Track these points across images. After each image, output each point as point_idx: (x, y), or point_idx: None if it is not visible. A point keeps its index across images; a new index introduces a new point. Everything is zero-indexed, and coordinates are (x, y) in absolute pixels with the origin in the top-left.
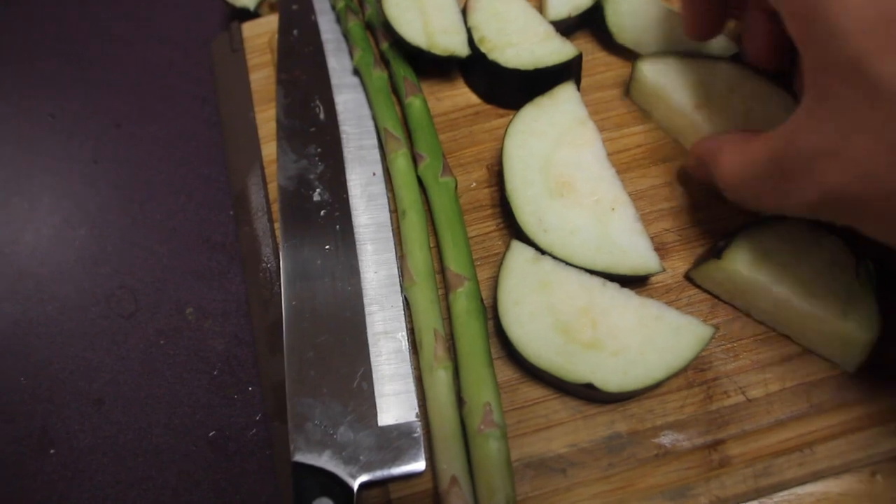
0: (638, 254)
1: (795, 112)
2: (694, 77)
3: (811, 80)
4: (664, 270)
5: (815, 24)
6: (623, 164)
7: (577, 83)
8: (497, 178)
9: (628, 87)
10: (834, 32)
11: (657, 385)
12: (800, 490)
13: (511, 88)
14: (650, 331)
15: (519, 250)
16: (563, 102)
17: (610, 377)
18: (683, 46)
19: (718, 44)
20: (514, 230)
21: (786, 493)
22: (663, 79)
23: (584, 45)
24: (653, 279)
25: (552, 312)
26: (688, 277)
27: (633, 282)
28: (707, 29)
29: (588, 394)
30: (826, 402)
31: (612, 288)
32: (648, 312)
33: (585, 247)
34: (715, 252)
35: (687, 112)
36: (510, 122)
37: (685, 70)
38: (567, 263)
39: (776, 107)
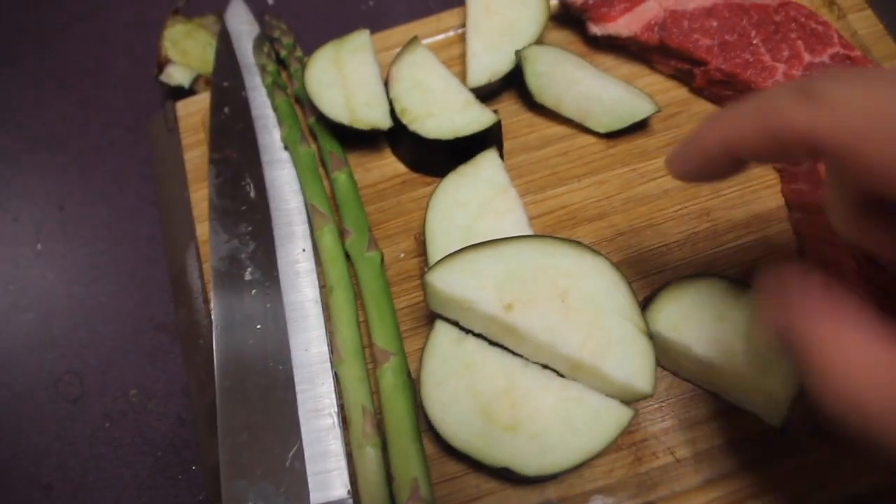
0: None
1: None
2: (494, 269)
3: None
4: None
5: None
6: (548, 227)
7: (500, 148)
8: (424, 248)
9: (426, 301)
10: None
11: (576, 468)
12: None
13: (435, 158)
14: (569, 413)
15: (442, 331)
16: (485, 171)
17: (528, 461)
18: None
19: None
20: None
21: None
22: (460, 287)
23: (509, 108)
24: None
25: (473, 394)
26: None
27: None
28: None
29: (508, 476)
30: (755, 459)
31: (534, 369)
32: (568, 394)
33: None
34: None
35: (499, 317)
36: (432, 193)
37: (482, 265)
38: (490, 343)
39: (593, 280)
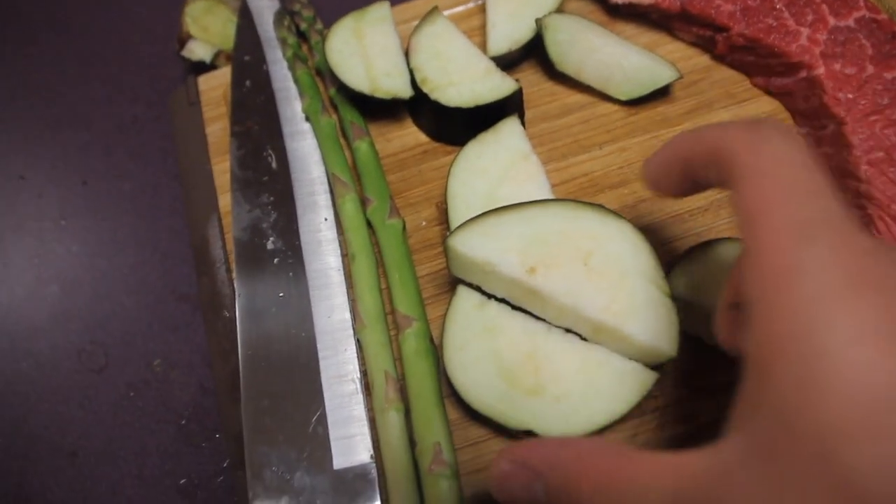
0: None
1: (720, 445)
2: (517, 232)
3: (754, 424)
4: None
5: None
6: (571, 194)
7: (522, 116)
8: (446, 216)
9: (448, 267)
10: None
11: (599, 432)
12: None
13: (456, 126)
14: (593, 377)
15: (464, 295)
16: (506, 138)
17: (551, 424)
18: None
19: None
20: None
21: None
22: (482, 250)
23: (529, 77)
24: None
25: (496, 358)
26: None
27: None
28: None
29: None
30: None
31: (557, 333)
32: (592, 357)
33: None
34: None
35: (521, 280)
36: (453, 160)
37: (504, 229)
38: (512, 308)
39: (616, 243)
